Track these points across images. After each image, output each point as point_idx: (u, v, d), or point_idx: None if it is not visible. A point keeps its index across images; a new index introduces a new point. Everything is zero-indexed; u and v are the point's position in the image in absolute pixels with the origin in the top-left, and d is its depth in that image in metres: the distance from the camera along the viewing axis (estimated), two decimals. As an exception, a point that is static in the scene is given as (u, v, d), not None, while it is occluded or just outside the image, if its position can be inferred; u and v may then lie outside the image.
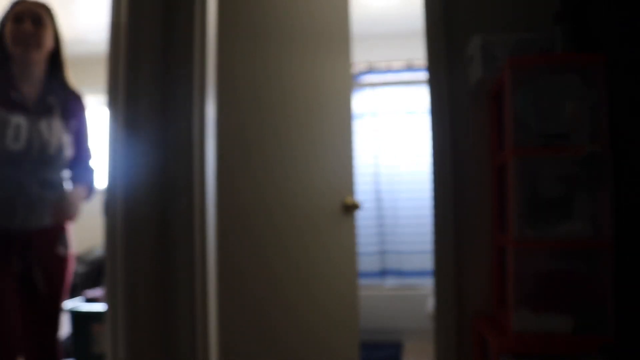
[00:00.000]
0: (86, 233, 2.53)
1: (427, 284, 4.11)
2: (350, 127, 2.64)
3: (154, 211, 2.12)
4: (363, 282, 4.18)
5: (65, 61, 2.13)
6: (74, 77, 2.17)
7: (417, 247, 4.14)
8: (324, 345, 2.47)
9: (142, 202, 2.05)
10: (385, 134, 4.23)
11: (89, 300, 3.09)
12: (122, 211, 1.96)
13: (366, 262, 4.19)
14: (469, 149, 2.11)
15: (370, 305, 4.07)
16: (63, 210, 2.00)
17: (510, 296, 1.72)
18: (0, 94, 1.93)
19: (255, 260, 2.31)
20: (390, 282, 4.18)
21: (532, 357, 1.66)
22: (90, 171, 2.16)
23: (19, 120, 1.91)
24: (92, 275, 3.91)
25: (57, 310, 2.04)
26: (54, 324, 2.03)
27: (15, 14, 1.99)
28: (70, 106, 2.08)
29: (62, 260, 2.05)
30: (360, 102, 4.28)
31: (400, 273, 4.18)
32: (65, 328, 1.95)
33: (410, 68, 4.18)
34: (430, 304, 3.12)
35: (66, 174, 2.08)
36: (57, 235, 2.04)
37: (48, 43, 2.04)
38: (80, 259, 3.96)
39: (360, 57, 4.32)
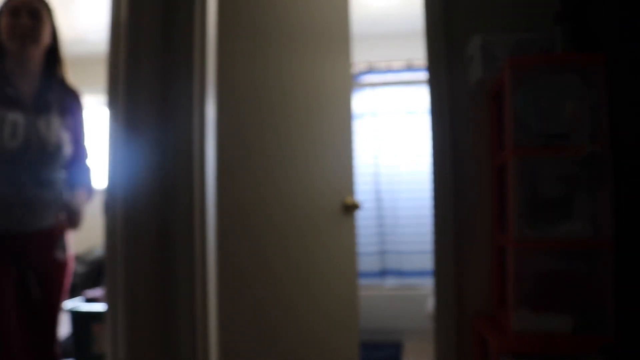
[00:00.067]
0: (86, 233, 2.53)
1: (427, 284, 4.11)
2: (350, 127, 2.64)
3: (154, 211, 2.12)
4: (363, 282, 4.18)
5: (63, 57, 2.06)
6: (74, 77, 2.16)
7: (417, 247, 4.14)
8: (324, 345, 2.47)
9: (142, 202, 2.05)
10: (385, 134, 4.23)
11: (89, 300, 3.09)
12: (122, 211, 1.96)
13: (366, 262, 4.19)
14: (469, 149, 2.11)
15: (370, 305, 4.07)
16: (70, 220, 1.96)
17: (510, 296, 1.72)
18: None
19: (255, 260, 2.31)
20: (390, 282, 4.18)
21: (532, 357, 1.66)
22: (87, 171, 2.12)
23: (15, 118, 1.85)
24: (92, 275, 3.91)
25: (54, 317, 1.97)
26: (52, 330, 1.96)
27: (11, 7, 1.92)
28: (68, 103, 2.02)
29: (60, 265, 1.99)
30: (360, 102, 4.28)
31: (400, 273, 4.18)
32: (65, 328, 1.92)
33: (410, 68, 4.18)
34: (430, 304, 3.12)
35: (63, 174, 2.03)
36: (55, 238, 1.98)
37: (45, 38, 1.97)
38: (80, 259, 3.96)
39: (360, 57, 4.32)
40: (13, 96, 1.88)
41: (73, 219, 1.99)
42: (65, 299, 2.04)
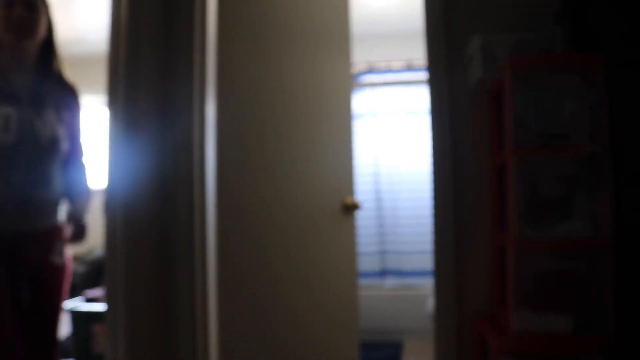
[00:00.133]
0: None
1: (427, 284, 4.11)
2: (350, 127, 2.64)
3: (154, 211, 2.12)
4: (363, 282, 4.18)
5: (58, 50, 1.98)
6: (74, 77, 2.14)
7: (417, 247, 4.14)
8: (324, 345, 2.47)
9: (142, 202, 2.05)
10: (385, 134, 4.23)
11: (89, 300, 3.09)
12: (122, 211, 1.96)
13: (366, 262, 4.19)
14: (469, 149, 2.11)
15: (370, 305, 4.07)
16: (76, 234, 1.93)
17: (510, 296, 1.72)
18: None
19: (255, 260, 2.31)
20: (390, 282, 4.18)
21: (532, 357, 1.66)
22: (84, 170, 2.05)
23: (8, 111, 1.76)
24: (92, 275, 3.91)
25: (52, 321, 1.89)
26: (50, 336, 1.88)
27: None
28: (64, 98, 1.95)
29: (57, 270, 1.91)
30: (360, 102, 4.28)
31: (400, 273, 4.18)
32: (65, 328, 1.89)
33: (410, 68, 4.18)
34: (430, 304, 3.12)
35: (60, 171, 1.94)
36: (52, 241, 1.90)
37: (42, 31, 1.88)
38: (80, 259, 3.96)
39: (360, 57, 4.32)
40: (6, 90, 1.80)
41: (80, 233, 1.95)
42: (64, 303, 1.96)
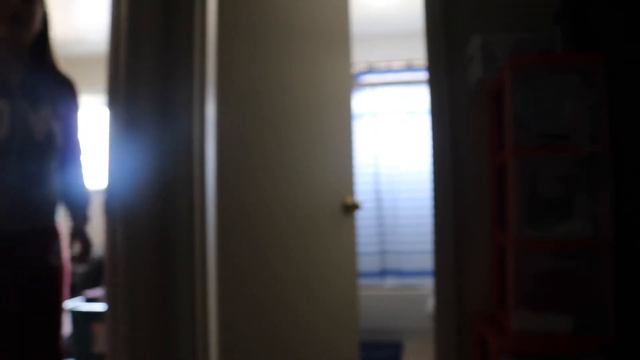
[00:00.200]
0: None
1: (427, 284, 4.11)
2: (350, 127, 2.64)
3: (154, 211, 2.12)
4: (363, 282, 4.19)
5: (53, 43, 1.89)
6: (74, 78, 2.14)
7: (417, 247, 4.14)
8: (324, 345, 2.47)
9: (142, 202, 2.05)
10: (385, 134, 4.23)
11: (89, 300, 3.09)
12: (122, 211, 1.96)
13: (366, 262, 4.19)
14: (469, 149, 2.11)
15: (370, 305, 4.08)
16: (83, 253, 1.91)
17: (510, 296, 1.72)
18: None
19: (255, 260, 2.31)
20: (390, 282, 4.18)
21: (532, 357, 1.66)
22: (81, 169, 1.95)
23: (1, 105, 1.67)
24: (92, 275, 3.91)
25: (54, 324, 1.78)
26: (53, 338, 1.77)
27: None
28: (60, 92, 1.85)
29: (55, 272, 1.80)
30: (360, 102, 4.28)
31: (400, 273, 4.18)
32: (65, 328, 1.87)
33: (410, 68, 4.18)
34: (430, 304, 3.12)
35: (56, 169, 1.84)
36: (49, 241, 1.80)
37: (37, 22, 1.78)
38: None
39: (360, 57, 4.32)
40: None
41: (86, 252, 1.91)
42: (65, 304, 1.87)
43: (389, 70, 4.22)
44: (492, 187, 2.08)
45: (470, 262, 2.08)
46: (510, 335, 1.69)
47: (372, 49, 4.32)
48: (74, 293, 3.55)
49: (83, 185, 1.96)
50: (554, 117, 1.76)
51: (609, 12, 1.74)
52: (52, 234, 1.82)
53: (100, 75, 4.52)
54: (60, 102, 1.84)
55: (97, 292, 3.17)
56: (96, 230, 3.99)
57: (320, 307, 2.47)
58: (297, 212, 2.44)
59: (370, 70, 4.24)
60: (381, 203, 4.22)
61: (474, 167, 2.10)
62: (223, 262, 2.23)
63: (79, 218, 1.95)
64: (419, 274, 4.14)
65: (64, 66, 2.00)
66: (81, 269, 3.87)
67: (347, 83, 2.66)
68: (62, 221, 1.93)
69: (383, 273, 4.22)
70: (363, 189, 4.22)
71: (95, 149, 4.57)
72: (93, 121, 4.62)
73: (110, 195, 1.96)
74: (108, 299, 1.95)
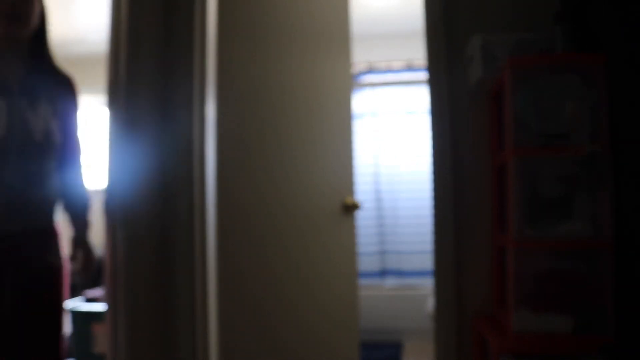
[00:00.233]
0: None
1: (427, 284, 4.11)
2: (350, 127, 2.64)
3: (154, 211, 2.12)
4: (363, 282, 4.19)
5: (50, 40, 1.84)
6: (74, 78, 2.14)
7: (417, 247, 4.14)
8: (324, 345, 2.48)
9: (142, 202, 2.05)
10: (385, 134, 4.23)
11: (89, 300, 3.09)
12: (122, 211, 1.96)
13: (366, 262, 4.19)
14: (469, 149, 2.11)
15: (370, 305, 4.08)
16: (87, 263, 1.88)
17: (510, 296, 1.72)
18: None
19: (255, 260, 2.31)
20: (390, 282, 4.18)
21: (532, 357, 1.66)
22: (81, 174, 1.91)
23: None
24: (92, 275, 3.91)
25: (54, 324, 1.75)
26: (53, 338, 1.74)
27: None
28: (58, 90, 1.82)
29: (54, 271, 1.77)
30: (360, 102, 4.28)
31: (400, 273, 4.18)
32: (65, 328, 1.86)
33: (410, 68, 4.18)
34: (430, 304, 3.12)
35: (55, 168, 1.81)
36: (46, 241, 1.78)
37: (34, 18, 1.74)
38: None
39: (360, 57, 4.33)
40: None
41: (90, 261, 1.88)
42: (65, 303, 1.85)
43: (389, 70, 4.22)
44: (492, 187, 2.08)
45: (470, 262, 2.08)
46: (510, 335, 1.69)
47: (372, 49, 4.32)
48: (74, 293, 3.55)
49: (83, 186, 1.92)
50: (554, 117, 1.76)
51: (609, 12, 1.74)
52: (51, 233, 1.80)
53: (100, 75, 4.52)
54: (59, 100, 1.81)
55: (97, 292, 3.17)
56: (96, 230, 3.99)
57: (320, 307, 2.47)
58: (297, 212, 2.44)
59: (370, 70, 4.25)
60: (381, 203, 4.22)
61: (474, 167, 2.11)
62: (223, 262, 2.23)
63: (80, 224, 1.90)
64: (419, 274, 4.14)
65: (64, 66, 1.99)
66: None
67: (347, 83, 2.66)
68: (62, 222, 1.92)
69: (383, 273, 4.22)
70: (363, 189, 4.22)
71: (95, 149, 4.57)
72: (93, 121, 4.62)
73: (110, 196, 1.96)
74: (108, 299, 1.95)
